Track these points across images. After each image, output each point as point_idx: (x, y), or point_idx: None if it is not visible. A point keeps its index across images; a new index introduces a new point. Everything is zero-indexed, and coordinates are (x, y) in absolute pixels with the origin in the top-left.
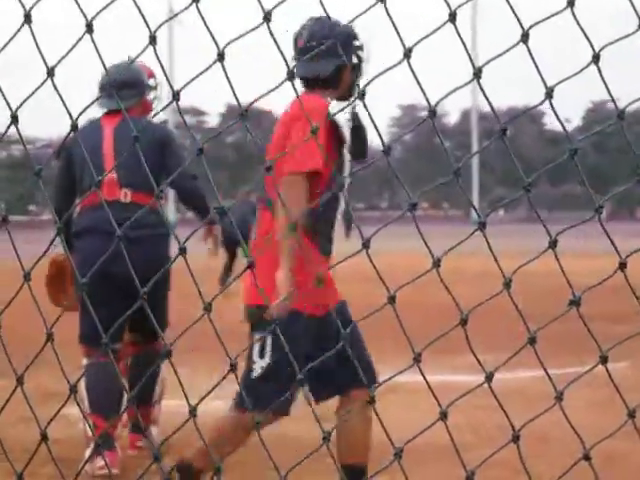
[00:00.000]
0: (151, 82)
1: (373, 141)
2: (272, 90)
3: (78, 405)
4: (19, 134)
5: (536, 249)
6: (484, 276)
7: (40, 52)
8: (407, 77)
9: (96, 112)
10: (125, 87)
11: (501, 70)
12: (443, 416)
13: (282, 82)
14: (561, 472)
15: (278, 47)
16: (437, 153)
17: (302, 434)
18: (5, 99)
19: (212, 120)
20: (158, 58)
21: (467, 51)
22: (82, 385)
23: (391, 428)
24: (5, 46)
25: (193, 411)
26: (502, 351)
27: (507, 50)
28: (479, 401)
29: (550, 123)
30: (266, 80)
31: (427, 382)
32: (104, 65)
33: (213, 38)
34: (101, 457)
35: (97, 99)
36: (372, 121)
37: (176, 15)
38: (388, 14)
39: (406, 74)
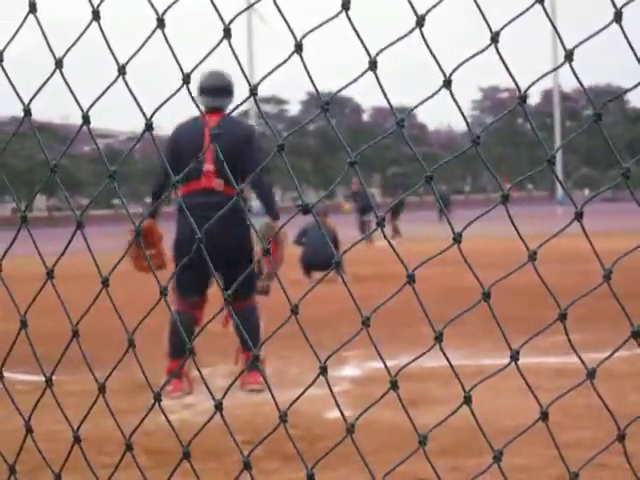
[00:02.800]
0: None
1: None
2: (354, 81)
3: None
4: (91, 135)
5: (623, 229)
6: (572, 257)
7: (110, 49)
8: (487, 58)
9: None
10: (224, 91)
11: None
12: (544, 416)
13: (364, 72)
14: None
15: (358, 35)
16: (518, 136)
17: (393, 420)
18: (76, 100)
19: (293, 108)
20: (234, 52)
21: (557, 31)
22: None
23: (480, 411)
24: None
25: (284, 416)
26: (588, 331)
27: (601, 30)
28: (567, 382)
29: (633, 101)
30: (346, 68)
31: (519, 369)
32: (175, 58)
33: (291, 30)
34: (171, 385)
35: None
36: (458, 107)
37: (252, 5)
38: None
39: (486, 56)
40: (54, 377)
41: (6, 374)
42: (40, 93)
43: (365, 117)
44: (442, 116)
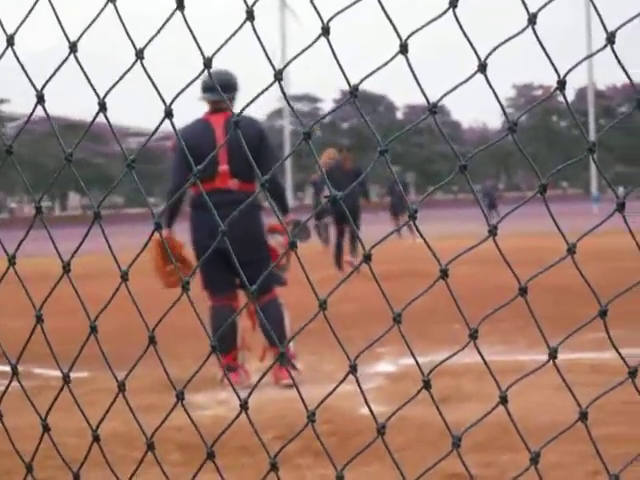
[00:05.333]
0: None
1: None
2: (384, 65)
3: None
4: (108, 122)
5: None
6: (606, 255)
7: (128, 34)
8: (520, 55)
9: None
10: (228, 89)
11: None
12: (583, 417)
13: (395, 55)
14: None
15: (388, 18)
16: (552, 134)
17: (425, 416)
18: (92, 86)
19: (326, 107)
20: (257, 35)
21: (598, 13)
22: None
23: (515, 408)
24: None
25: (312, 416)
26: (622, 327)
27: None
28: (602, 378)
29: None
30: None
31: (556, 366)
32: (197, 42)
33: (318, 13)
34: (227, 380)
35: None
36: (493, 91)
37: None
38: None
39: (516, 51)
40: (87, 374)
41: (42, 370)
42: (72, 93)
43: (399, 115)
44: (476, 114)
